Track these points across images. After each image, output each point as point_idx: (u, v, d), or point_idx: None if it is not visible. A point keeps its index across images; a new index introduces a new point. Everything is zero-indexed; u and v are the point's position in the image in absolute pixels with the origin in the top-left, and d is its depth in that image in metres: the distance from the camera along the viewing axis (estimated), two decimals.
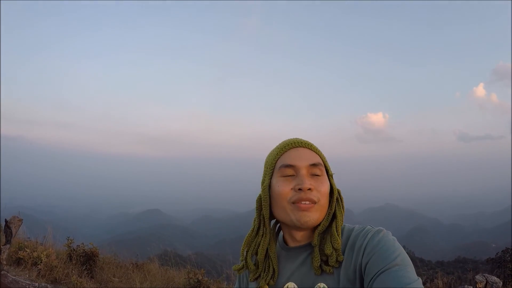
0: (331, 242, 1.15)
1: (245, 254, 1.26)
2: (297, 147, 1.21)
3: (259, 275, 1.24)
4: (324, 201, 1.16)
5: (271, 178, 1.22)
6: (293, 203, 1.14)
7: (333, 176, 1.25)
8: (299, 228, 1.17)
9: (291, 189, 1.15)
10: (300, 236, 1.21)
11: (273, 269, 1.22)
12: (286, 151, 1.21)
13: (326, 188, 1.17)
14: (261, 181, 1.27)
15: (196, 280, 6.26)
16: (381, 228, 1.17)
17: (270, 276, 1.21)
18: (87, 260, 6.91)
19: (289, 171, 1.17)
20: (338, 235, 1.15)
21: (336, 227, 1.17)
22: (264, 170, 1.26)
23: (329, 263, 1.13)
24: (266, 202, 1.20)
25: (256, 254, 1.23)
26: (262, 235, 1.22)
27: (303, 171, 1.16)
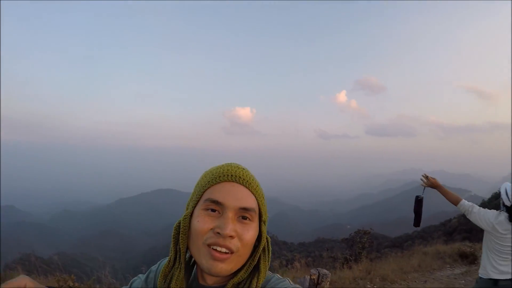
0: None
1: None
2: (232, 181, 1.01)
3: None
4: (245, 251, 1.01)
5: (195, 207, 1.04)
6: (208, 245, 1.00)
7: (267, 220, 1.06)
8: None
9: (211, 229, 1.00)
10: (211, 281, 1.04)
11: None
12: (218, 182, 1.02)
13: (251, 237, 1.01)
14: (186, 204, 1.06)
15: None
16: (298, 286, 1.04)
17: None
18: None
19: (215, 207, 1.00)
20: None
21: (257, 282, 1.03)
22: (191, 194, 1.04)
23: None
24: (185, 233, 1.03)
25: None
26: (178, 268, 1.04)
27: (230, 214, 1.00)
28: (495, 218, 3.56)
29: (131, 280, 1.20)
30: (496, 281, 3.57)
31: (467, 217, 3.82)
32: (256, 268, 1.05)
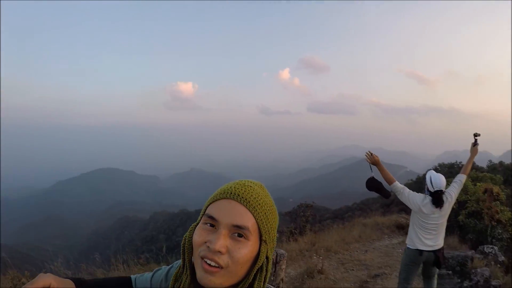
0: None
1: None
2: (229, 199, 1.03)
3: None
4: (236, 268, 1.00)
5: (200, 220, 1.08)
6: (202, 257, 1.01)
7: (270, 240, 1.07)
8: None
9: (205, 242, 1.01)
10: None
11: None
12: (219, 199, 1.04)
13: (242, 255, 1.00)
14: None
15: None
16: None
17: None
18: None
19: (213, 222, 1.02)
20: None
21: None
22: (203, 209, 1.10)
23: None
24: (189, 244, 1.08)
25: None
26: (185, 274, 1.09)
27: (223, 230, 1.00)
28: (421, 201, 4.21)
29: (155, 269, 1.29)
30: (421, 252, 4.29)
31: (398, 197, 4.38)
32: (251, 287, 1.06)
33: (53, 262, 6.03)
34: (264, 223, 1.05)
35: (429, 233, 4.26)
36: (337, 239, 9.51)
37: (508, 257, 7.76)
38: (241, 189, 1.06)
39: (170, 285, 1.15)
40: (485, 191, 9.45)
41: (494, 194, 9.19)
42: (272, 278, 3.90)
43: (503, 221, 8.93)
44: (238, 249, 1.01)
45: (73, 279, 1.15)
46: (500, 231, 8.94)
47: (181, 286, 1.11)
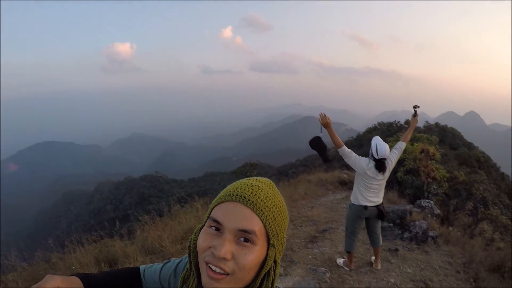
0: None
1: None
2: (235, 201, 0.96)
3: None
4: (243, 275, 0.94)
5: (205, 223, 1.02)
6: (206, 263, 0.95)
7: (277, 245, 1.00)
8: None
9: (209, 247, 0.95)
10: None
11: None
12: (224, 201, 0.98)
13: (249, 261, 0.93)
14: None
15: None
16: None
17: None
18: None
19: (218, 226, 0.95)
20: None
21: None
22: (208, 210, 1.04)
23: None
24: (195, 246, 1.02)
25: None
26: (192, 277, 1.06)
27: (228, 235, 0.93)
28: (366, 165, 4.55)
29: (165, 262, 1.26)
30: (365, 207, 4.73)
31: (344, 160, 4.70)
32: None
33: (7, 257, 5.37)
34: (272, 226, 0.98)
35: (372, 191, 4.70)
36: (284, 197, 9.52)
37: (443, 210, 8.42)
38: (248, 191, 0.98)
39: (178, 286, 1.10)
40: (422, 151, 10.07)
41: (430, 154, 9.82)
42: None
43: (438, 178, 9.63)
44: (244, 255, 0.94)
45: (79, 275, 1.10)
46: (435, 187, 9.66)
47: (190, 285, 1.06)
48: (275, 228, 0.99)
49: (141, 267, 1.29)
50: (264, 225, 0.96)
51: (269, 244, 0.99)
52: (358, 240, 5.28)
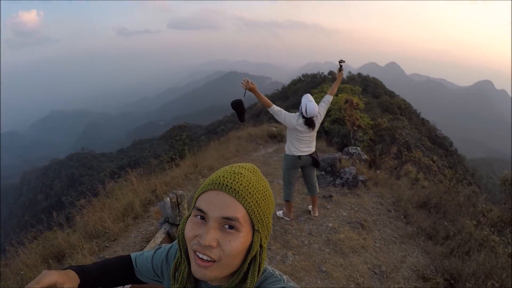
0: None
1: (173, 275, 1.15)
2: (218, 190, 0.98)
3: None
4: (229, 260, 0.98)
5: (191, 212, 1.04)
6: (194, 251, 0.99)
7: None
8: None
9: (196, 236, 0.98)
10: (211, 282, 1.08)
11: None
12: (208, 190, 1.00)
13: (235, 247, 0.97)
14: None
15: None
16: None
17: None
18: None
19: (202, 215, 0.98)
20: None
21: None
22: (193, 199, 1.06)
23: None
24: (183, 235, 1.06)
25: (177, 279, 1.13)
26: (183, 264, 1.10)
27: (213, 223, 0.97)
28: (296, 121, 4.76)
29: (156, 248, 1.32)
30: (299, 156, 4.99)
31: (275, 117, 4.85)
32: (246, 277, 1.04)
33: None
34: (256, 212, 1.00)
35: (304, 143, 4.95)
36: (217, 156, 9.69)
37: (370, 155, 8.87)
38: (230, 178, 1.00)
39: (171, 273, 1.15)
40: (346, 101, 10.41)
41: (354, 104, 10.19)
42: (178, 218, 4.05)
43: (363, 126, 10.09)
44: (229, 241, 0.97)
45: (73, 268, 1.14)
46: (361, 134, 10.11)
47: (181, 276, 1.11)
48: (258, 214, 1.01)
49: (132, 255, 1.33)
50: (247, 212, 0.98)
51: (254, 230, 1.01)
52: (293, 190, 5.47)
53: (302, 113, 4.73)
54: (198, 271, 0.98)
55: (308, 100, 4.73)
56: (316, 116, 4.80)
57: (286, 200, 5.39)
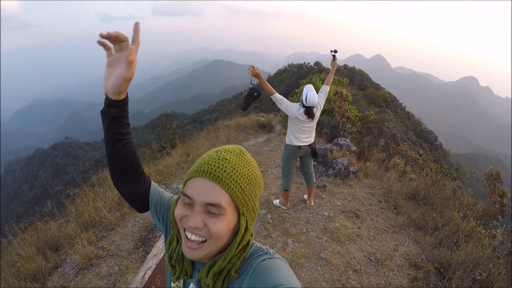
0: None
1: (168, 256, 1.19)
2: (202, 177, 1.03)
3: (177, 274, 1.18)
4: (217, 240, 1.03)
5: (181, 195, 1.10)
6: (184, 229, 1.06)
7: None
8: None
9: (185, 216, 1.05)
10: None
11: (186, 270, 1.17)
12: (193, 177, 1.05)
13: (220, 228, 1.02)
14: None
15: None
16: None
17: (183, 275, 1.17)
18: None
19: (188, 200, 1.04)
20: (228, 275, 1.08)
21: (229, 269, 1.08)
22: (182, 183, 1.12)
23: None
24: (173, 215, 1.11)
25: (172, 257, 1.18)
26: (176, 242, 1.16)
27: (198, 207, 1.03)
28: (297, 110, 4.90)
29: (172, 194, 1.36)
30: (299, 146, 5.16)
31: (277, 105, 5.00)
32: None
33: None
34: (240, 197, 1.05)
35: (304, 133, 5.12)
36: (208, 146, 9.73)
37: (358, 147, 9.08)
38: (214, 165, 1.05)
39: (166, 249, 1.23)
40: (336, 93, 10.58)
41: (343, 96, 10.36)
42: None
43: (352, 117, 10.27)
44: (214, 223, 1.03)
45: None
46: (350, 126, 10.29)
47: (175, 253, 1.17)
48: (243, 198, 1.06)
49: (153, 184, 1.36)
50: (231, 197, 1.04)
51: (239, 213, 1.07)
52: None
53: (302, 102, 4.91)
54: (187, 252, 1.06)
55: (309, 90, 4.92)
56: (316, 106, 4.96)
57: (285, 190, 5.52)
